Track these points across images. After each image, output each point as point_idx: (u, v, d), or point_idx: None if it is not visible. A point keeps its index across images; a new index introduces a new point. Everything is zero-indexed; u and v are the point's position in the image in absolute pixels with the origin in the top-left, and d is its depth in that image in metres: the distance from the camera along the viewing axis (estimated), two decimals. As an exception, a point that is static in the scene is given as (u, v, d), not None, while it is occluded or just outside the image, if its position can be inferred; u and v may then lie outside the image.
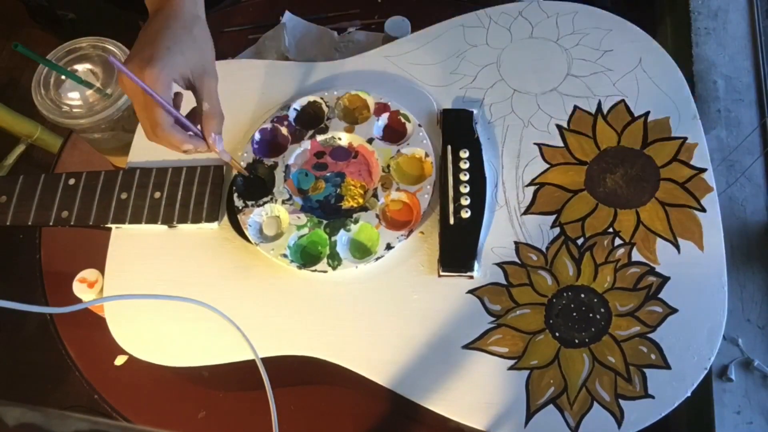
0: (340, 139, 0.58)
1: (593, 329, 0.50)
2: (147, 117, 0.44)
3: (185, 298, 0.49)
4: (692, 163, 0.55)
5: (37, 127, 1.18)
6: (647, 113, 0.58)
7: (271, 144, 0.59)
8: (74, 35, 0.65)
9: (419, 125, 0.57)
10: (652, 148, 0.56)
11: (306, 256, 0.54)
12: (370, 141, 0.57)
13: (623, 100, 0.58)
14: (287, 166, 0.57)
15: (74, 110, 0.62)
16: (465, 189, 0.54)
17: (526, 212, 0.54)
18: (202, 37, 0.48)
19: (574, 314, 0.50)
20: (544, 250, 0.53)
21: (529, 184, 0.56)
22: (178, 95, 0.47)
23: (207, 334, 0.51)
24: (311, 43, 0.74)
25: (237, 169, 0.54)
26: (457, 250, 0.52)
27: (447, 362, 0.49)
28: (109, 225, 0.55)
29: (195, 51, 0.46)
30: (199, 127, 0.48)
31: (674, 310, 0.50)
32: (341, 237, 0.53)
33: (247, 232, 0.54)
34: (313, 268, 0.52)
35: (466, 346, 0.50)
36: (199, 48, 0.47)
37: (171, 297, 0.52)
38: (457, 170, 0.55)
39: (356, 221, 0.54)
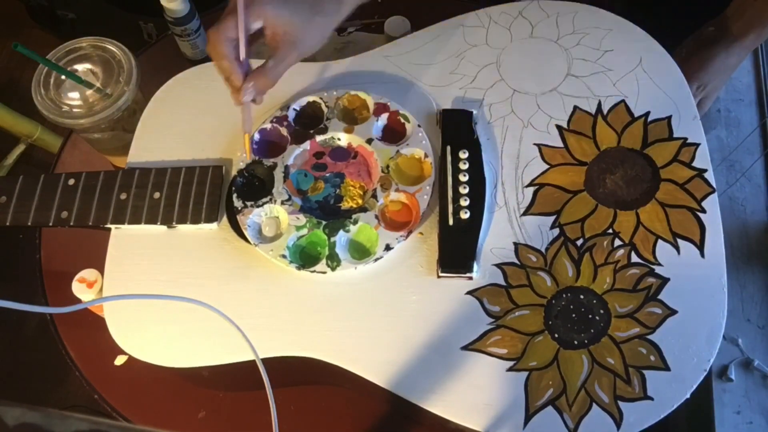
0: (339, 139, 0.58)
1: (592, 330, 0.50)
2: (219, 23, 0.47)
3: (185, 298, 0.50)
4: (692, 163, 0.55)
5: (37, 127, 1.18)
6: (647, 113, 0.58)
7: (270, 144, 0.59)
8: (74, 35, 0.65)
9: (419, 125, 0.57)
10: (652, 149, 0.56)
11: (305, 257, 0.54)
12: (369, 141, 0.57)
13: (623, 101, 0.58)
14: (286, 167, 0.57)
15: (74, 110, 0.62)
16: (464, 190, 0.54)
17: (525, 213, 0.54)
18: (317, 23, 0.49)
19: (574, 315, 0.50)
20: (543, 251, 0.53)
21: (529, 185, 0.55)
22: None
23: (207, 335, 0.51)
24: (311, 43, 0.74)
25: (245, 147, 0.54)
26: (456, 251, 0.52)
27: (446, 363, 0.49)
28: (108, 225, 0.55)
29: (302, 21, 0.48)
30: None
31: (674, 312, 0.50)
32: (340, 238, 0.53)
33: (246, 233, 0.54)
34: (312, 268, 0.52)
35: (465, 347, 0.50)
36: (307, 24, 0.48)
37: (171, 297, 0.52)
38: (456, 171, 0.55)
39: (355, 222, 0.54)
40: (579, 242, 0.53)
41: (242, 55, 0.49)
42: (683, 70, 0.59)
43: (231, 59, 0.48)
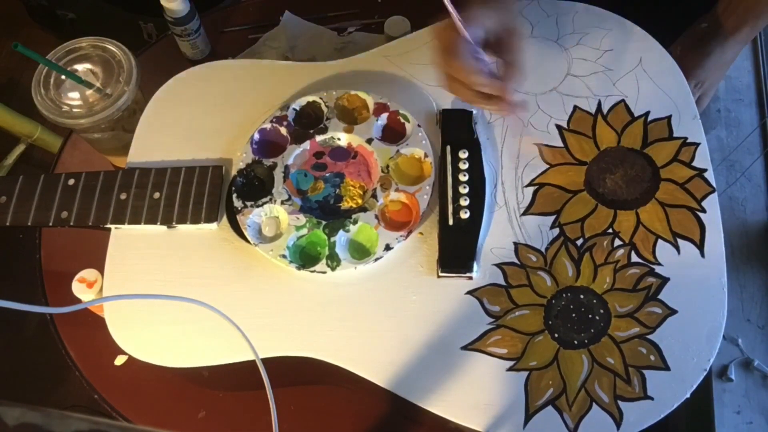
0: (339, 139, 0.58)
1: (592, 330, 0.50)
2: (449, 47, 0.49)
3: (185, 298, 0.49)
4: (692, 163, 0.55)
5: (37, 127, 1.18)
6: (647, 113, 0.58)
7: (270, 144, 0.59)
8: (74, 35, 0.65)
9: (418, 125, 0.57)
10: (652, 149, 0.56)
11: (305, 257, 0.54)
12: (369, 141, 0.57)
13: (623, 100, 0.58)
14: (286, 167, 0.57)
15: (74, 110, 0.62)
16: (464, 189, 0.54)
17: (525, 213, 0.54)
18: (509, 6, 0.52)
19: (574, 315, 0.50)
20: (543, 250, 0.53)
21: (529, 185, 0.55)
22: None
23: (207, 335, 0.51)
24: (311, 43, 0.74)
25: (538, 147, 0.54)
26: (456, 251, 0.52)
27: (446, 363, 0.49)
28: (108, 225, 0.55)
29: (503, 11, 0.51)
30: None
31: (674, 311, 0.50)
32: (340, 238, 0.53)
33: (246, 233, 0.54)
34: (312, 268, 0.52)
35: (465, 347, 0.50)
36: (507, 10, 0.51)
37: (171, 297, 0.52)
38: (456, 171, 0.55)
39: (355, 222, 0.54)
40: (579, 242, 0.53)
41: (485, 58, 0.49)
42: (679, 67, 0.59)
43: (480, 69, 0.49)
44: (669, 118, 0.57)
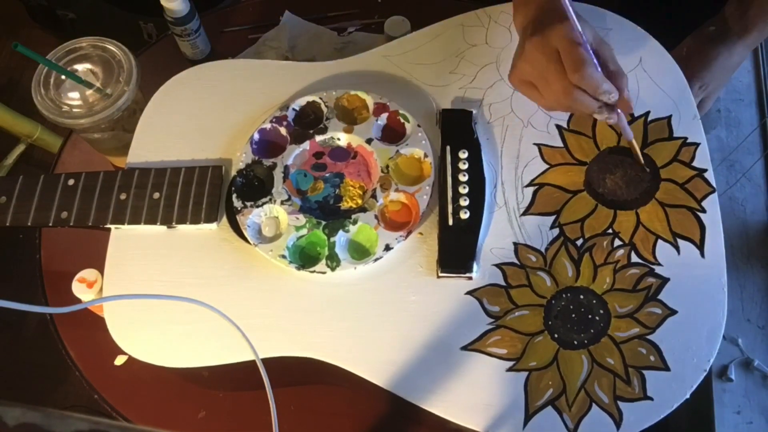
0: (339, 139, 0.58)
1: (592, 331, 0.50)
2: (573, 56, 0.47)
3: (185, 298, 0.50)
4: (692, 163, 0.55)
5: (37, 127, 1.18)
6: (647, 113, 0.58)
7: (270, 144, 0.59)
8: (74, 35, 0.65)
9: (418, 125, 0.57)
10: (652, 149, 0.56)
11: (305, 257, 0.54)
12: (369, 141, 0.57)
13: (623, 101, 0.58)
14: (286, 167, 0.57)
15: (74, 110, 0.62)
16: (464, 190, 0.54)
17: (525, 213, 0.54)
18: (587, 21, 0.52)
19: (573, 315, 0.50)
20: (543, 251, 0.53)
21: (529, 185, 0.55)
22: None
23: (206, 335, 0.51)
24: (311, 43, 0.74)
25: (634, 150, 0.54)
26: (455, 251, 0.52)
27: (445, 363, 0.49)
28: (108, 225, 0.55)
29: (589, 26, 0.50)
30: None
31: (674, 312, 0.50)
32: (340, 238, 0.53)
33: (245, 233, 0.54)
34: (312, 269, 0.52)
35: (465, 348, 0.50)
36: (590, 24, 0.51)
37: (171, 297, 0.52)
38: (456, 171, 0.55)
39: (355, 222, 0.54)
40: (579, 242, 0.53)
41: (599, 68, 0.48)
42: (684, 69, 0.59)
43: (605, 78, 0.48)
44: (669, 118, 0.57)
